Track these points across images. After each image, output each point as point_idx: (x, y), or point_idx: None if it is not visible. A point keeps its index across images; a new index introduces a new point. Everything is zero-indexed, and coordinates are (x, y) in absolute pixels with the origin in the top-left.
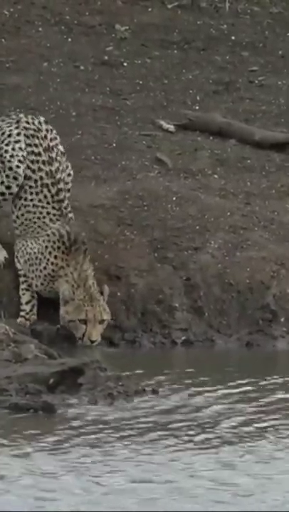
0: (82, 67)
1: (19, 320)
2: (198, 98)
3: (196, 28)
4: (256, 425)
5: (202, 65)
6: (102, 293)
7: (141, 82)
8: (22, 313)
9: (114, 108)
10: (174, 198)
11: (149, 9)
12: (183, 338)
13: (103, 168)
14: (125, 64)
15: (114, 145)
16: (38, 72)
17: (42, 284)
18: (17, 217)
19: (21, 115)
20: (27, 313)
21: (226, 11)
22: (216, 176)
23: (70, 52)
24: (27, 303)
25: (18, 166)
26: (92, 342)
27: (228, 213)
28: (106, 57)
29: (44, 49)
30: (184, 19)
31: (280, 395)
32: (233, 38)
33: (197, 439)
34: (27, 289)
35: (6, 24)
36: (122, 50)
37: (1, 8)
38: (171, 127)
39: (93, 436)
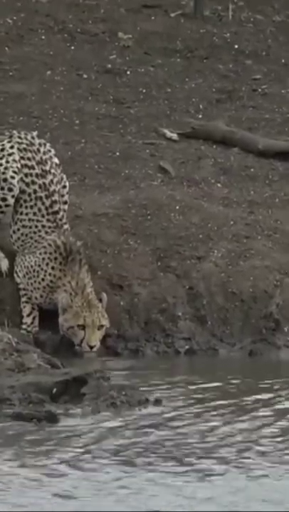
0: (85, 76)
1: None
2: (201, 106)
3: (199, 36)
4: (264, 432)
5: (205, 74)
6: (100, 300)
7: (144, 91)
8: (24, 326)
9: (117, 116)
10: (177, 207)
11: (152, 17)
12: (186, 347)
13: (106, 176)
14: (128, 72)
15: (117, 154)
16: (41, 80)
17: (41, 296)
18: (13, 231)
19: (14, 131)
20: (28, 326)
21: (229, 19)
22: (219, 185)
23: (73, 61)
24: (28, 315)
25: (12, 177)
26: (91, 348)
27: (232, 222)
28: (109, 66)
29: (47, 57)
30: (186, 27)
31: (282, 406)
32: (236, 46)
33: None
34: (27, 302)
35: (10, 32)
36: (125, 58)
37: (4, 17)
38: (175, 136)
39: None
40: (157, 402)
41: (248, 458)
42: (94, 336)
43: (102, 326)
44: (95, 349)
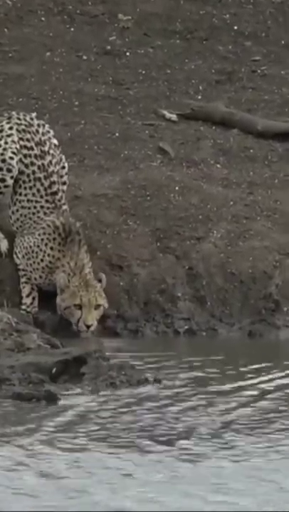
0: (84, 57)
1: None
2: (200, 88)
3: (198, 17)
4: (261, 414)
5: (205, 55)
6: (100, 281)
7: (144, 72)
8: (23, 307)
9: (116, 98)
10: (177, 188)
11: None
12: (185, 327)
13: (106, 157)
14: (128, 53)
15: (116, 135)
16: (40, 61)
17: (40, 276)
18: (12, 212)
19: (13, 112)
20: (28, 306)
21: (228, 0)
22: (218, 166)
23: (73, 42)
24: (27, 296)
25: (11, 158)
26: (88, 327)
27: (231, 203)
28: (109, 47)
29: (47, 38)
30: (186, 9)
31: (281, 381)
32: (235, 27)
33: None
34: (26, 282)
35: (9, 14)
36: (125, 39)
37: None
38: (174, 117)
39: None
40: (156, 381)
41: (247, 435)
42: (90, 316)
43: (98, 305)
44: (92, 328)
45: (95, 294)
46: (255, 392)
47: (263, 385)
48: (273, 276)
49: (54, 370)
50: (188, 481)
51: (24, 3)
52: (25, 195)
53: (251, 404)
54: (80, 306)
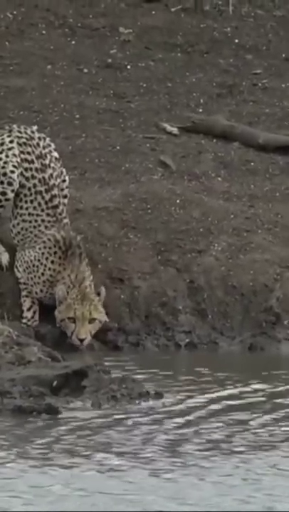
0: (85, 70)
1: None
2: (201, 101)
3: (199, 31)
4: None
5: (206, 68)
6: (98, 294)
7: (145, 85)
8: (24, 320)
9: (118, 111)
10: (178, 201)
11: (153, 12)
12: (186, 340)
13: (107, 170)
14: (129, 67)
15: (118, 148)
16: (41, 74)
17: (41, 290)
18: (13, 226)
19: (14, 125)
20: (28, 320)
21: (229, 13)
22: (219, 179)
23: (74, 55)
24: (28, 309)
25: (12, 171)
26: (81, 341)
27: (232, 216)
28: (110, 60)
29: (48, 52)
30: (187, 22)
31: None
32: (236, 41)
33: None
34: (27, 296)
35: (10, 27)
36: (126, 52)
37: (4, 11)
38: (175, 130)
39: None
40: (158, 395)
41: (248, 448)
42: (83, 329)
43: (93, 319)
44: (85, 342)
45: (90, 307)
46: (261, 408)
47: (263, 397)
48: (274, 290)
49: (55, 383)
50: None
51: (25, 16)
52: (26, 208)
53: (251, 416)
54: (73, 320)
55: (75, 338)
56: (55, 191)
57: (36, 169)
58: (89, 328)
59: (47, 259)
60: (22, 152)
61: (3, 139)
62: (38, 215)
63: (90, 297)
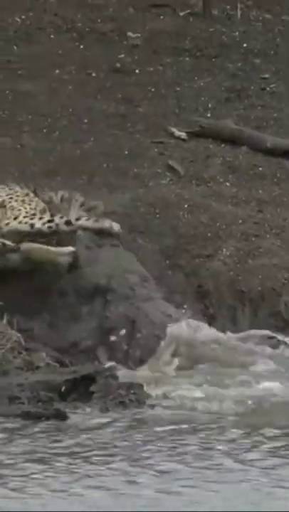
0: (94, 74)
1: None
2: (210, 105)
3: (207, 35)
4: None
5: (214, 73)
6: None
7: (153, 90)
8: None
9: (126, 115)
10: (186, 206)
11: (161, 16)
12: None
13: (115, 175)
14: (137, 71)
15: (126, 152)
16: (50, 79)
17: None
18: None
19: None
20: None
21: (237, 18)
22: (227, 184)
23: (82, 60)
24: None
25: None
26: None
27: (240, 221)
28: (118, 65)
29: (56, 56)
30: (195, 26)
31: None
32: (244, 45)
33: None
34: None
35: (18, 31)
36: (134, 57)
37: (13, 16)
38: (183, 134)
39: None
40: (165, 399)
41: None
42: None
43: None
44: None
45: None
46: (263, 411)
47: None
48: (282, 294)
49: (63, 388)
50: None
51: (33, 21)
52: None
53: (259, 420)
54: None
55: None
56: None
57: None
58: None
59: None
60: None
61: None
62: None
63: None
